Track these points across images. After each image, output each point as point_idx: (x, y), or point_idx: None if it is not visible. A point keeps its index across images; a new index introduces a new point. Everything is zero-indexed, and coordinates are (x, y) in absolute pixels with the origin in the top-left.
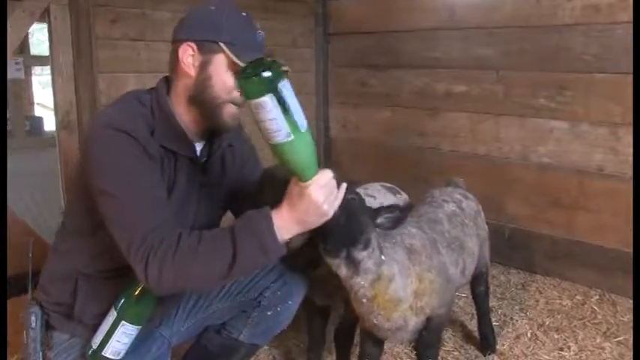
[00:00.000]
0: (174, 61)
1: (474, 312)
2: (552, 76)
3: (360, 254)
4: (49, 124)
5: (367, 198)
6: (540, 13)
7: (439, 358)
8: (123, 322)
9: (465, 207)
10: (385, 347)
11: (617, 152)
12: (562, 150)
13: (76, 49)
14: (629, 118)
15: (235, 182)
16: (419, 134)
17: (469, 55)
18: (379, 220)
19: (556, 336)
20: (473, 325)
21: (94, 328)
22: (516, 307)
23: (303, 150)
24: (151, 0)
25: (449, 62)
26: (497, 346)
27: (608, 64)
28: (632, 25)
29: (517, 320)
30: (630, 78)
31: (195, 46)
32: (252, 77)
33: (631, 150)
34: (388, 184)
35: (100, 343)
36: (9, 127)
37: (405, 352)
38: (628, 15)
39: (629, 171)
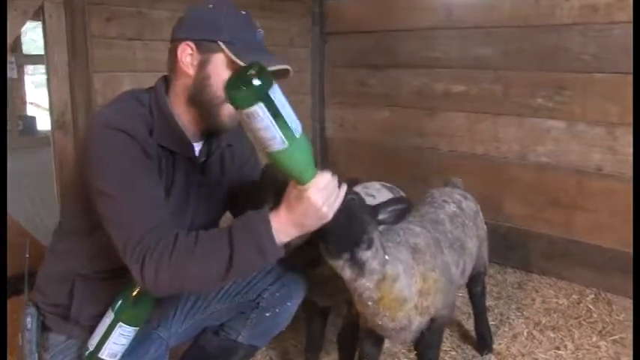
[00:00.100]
0: (173, 60)
1: (471, 311)
2: (550, 75)
3: (365, 254)
4: (42, 124)
5: (367, 197)
6: (538, 12)
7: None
8: (120, 323)
9: (464, 207)
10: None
11: (615, 152)
12: (560, 150)
13: (71, 48)
14: (627, 118)
15: (234, 182)
16: (417, 134)
17: (468, 55)
18: (381, 216)
19: (552, 335)
20: (470, 325)
21: (91, 330)
22: (513, 307)
23: (299, 154)
24: None
25: (447, 62)
26: (494, 346)
27: (606, 63)
28: (630, 24)
29: (514, 319)
30: (628, 78)
31: (193, 46)
32: (241, 87)
33: (629, 150)
34: (388, 184)
35: (97, 345)
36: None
37: (403, 352)
38: (625, 15)
39: (628, 171)
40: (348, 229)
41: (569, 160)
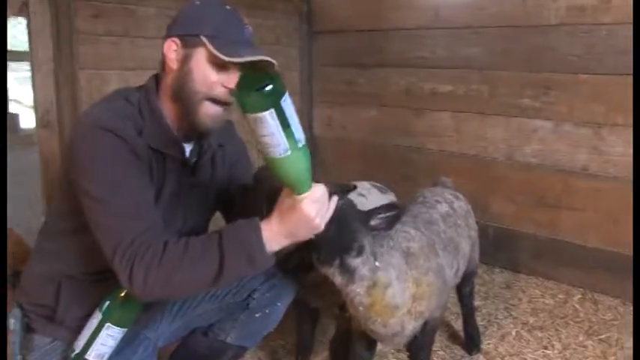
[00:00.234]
0: (162, 58)
1: (460, 312)
2: (537, 76)
3: (354, 261)
4: (25, 122)
5: (357, 197)
6: (526, 13)
7: None
8: (108, 324)
9: (456, 207)
10: None
11: (600, 152)
12: (547, 149)
13: (56, 45)
14: (613, 118)
15: (225, 183)
16: (405, 133)
17: (455, 55)
18: (373, 222)
19: (540, 334)
20: (458, 325)
21: (77, 331)
22: (501, 307)
23: (299, 165)
24: None
25: (435, 62)
26: (483, 346)
27: (592, 64)
28: (616, 26)
29: (502, 319)
30: (614, 78)
31: (178, 41)
32: (254, 91)
33: (615, 150)
34: (378, 184)
35: (84, 347)
36: None
37: (392, 352)
38: (610, 17)
39: (613, 171)
40: (338, 237)
41: (556, 159)
